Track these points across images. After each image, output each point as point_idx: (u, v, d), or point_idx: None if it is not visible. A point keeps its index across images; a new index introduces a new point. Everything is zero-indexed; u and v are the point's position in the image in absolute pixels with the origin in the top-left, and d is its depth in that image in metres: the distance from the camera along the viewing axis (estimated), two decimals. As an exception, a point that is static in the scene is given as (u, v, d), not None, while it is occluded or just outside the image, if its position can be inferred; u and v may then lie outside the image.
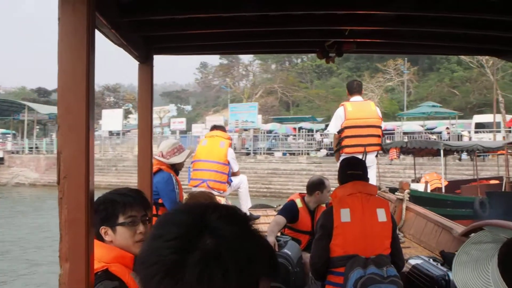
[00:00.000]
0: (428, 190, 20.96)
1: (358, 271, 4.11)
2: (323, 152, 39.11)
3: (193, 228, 1.10)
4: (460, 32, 4.15)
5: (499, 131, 37.78)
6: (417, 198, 16.97)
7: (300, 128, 46.64)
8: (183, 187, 6.68)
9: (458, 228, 6.65)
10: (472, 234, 6.09)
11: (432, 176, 23.02)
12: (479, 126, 41.09)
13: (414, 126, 48.12)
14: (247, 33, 4.30)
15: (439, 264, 5.24)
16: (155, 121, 66.62)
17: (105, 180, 36.86)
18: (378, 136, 8.39)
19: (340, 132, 8.26)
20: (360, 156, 7.61)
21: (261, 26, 3.93)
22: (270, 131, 47.81)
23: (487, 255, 1.69)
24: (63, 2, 2.13)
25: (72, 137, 2.13)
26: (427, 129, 45.31)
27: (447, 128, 42.15)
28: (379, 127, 8.42)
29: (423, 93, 57.17)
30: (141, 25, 3.69)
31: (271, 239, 5.42)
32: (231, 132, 48.19)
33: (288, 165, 35.90)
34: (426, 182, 21.73)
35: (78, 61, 2.13)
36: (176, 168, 6.54)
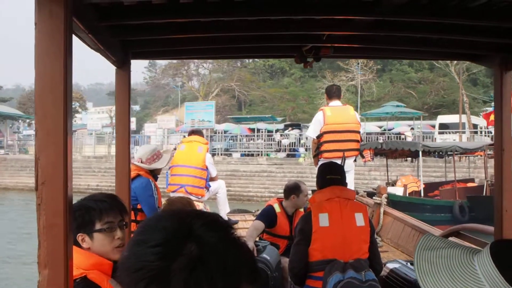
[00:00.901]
0: (401, 193, 20.61)
1: (336, 276, 4.12)
2: (283, 153, 38.44)
3: (178, 234, 1.10)
4: (437, 37, 4.19)
5: (463, 132, 37.43)
6: (396, 203, 16.79)
7: (255, 128, 45.30)
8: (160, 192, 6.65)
9: (435, 232, 6.71)
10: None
11: (408, 179, 22.55)
12: (443, 127, 40.33)
13: (372, 127, 46.81)
14: (225, 38, 4.29)
15: (416, 267, 5.27)
16: (105, 121, 65.55)
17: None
18: (357, 141, 8.47)
19: (319, 137, 8.29)
20: (339, 161, 7.66)
21: (240, 31, 3.94)
22: (224, 132, 46.14)
23: (462, 263, 1.68)
24: (39, 7, 2.12)
25: (50, 142, 2.11)
26: (384, 130, 43.38)
27: (412, 128, 41.40)
28: (358, 132, 8.50)
29: (379, 94, 56.47)
30: (118, 30, 3.66)
31: (250, 244, 5.41)
32: (186, 132, 47.20)
33: (247, 167, 34.73)
34: (405, 186, 21.34)
35: (55, 66, 2.12)
36: (154, 173, 6.51)
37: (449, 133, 37.73)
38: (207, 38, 4.27)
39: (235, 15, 3.47)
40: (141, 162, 6.37)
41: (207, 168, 8.74)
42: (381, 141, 25.77)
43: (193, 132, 9.52)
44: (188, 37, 4.12)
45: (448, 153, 22.71)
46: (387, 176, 24.29)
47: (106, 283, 2.55)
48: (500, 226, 4.29)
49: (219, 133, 44.21)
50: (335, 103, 8.55)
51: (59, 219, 2.10)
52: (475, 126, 39.96)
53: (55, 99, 2.11)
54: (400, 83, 54.44)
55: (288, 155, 37.64)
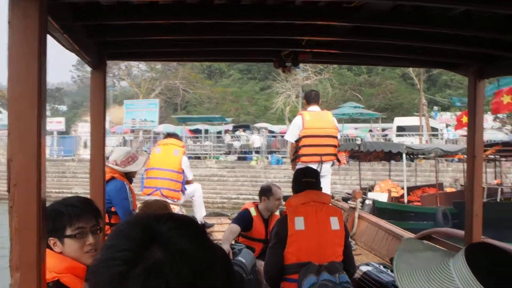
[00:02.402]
0: (385, 200, 19.30)
1: (311, 278, 4.16)
2: (234, 155, 36.64)
3: (142, 240, 1.09)
4: (416, 45, 4.23)
5: (421, 135, 36.95)
6: (381, 210, 16.54)
7: (202, 130, 42.37)
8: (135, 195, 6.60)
9: (408, 235, 6.78)
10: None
11: (387, 183, 21.43)
12: (400, 129, 39.36)
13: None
14: (203, 40, 4.29)
15: (389, 270, 5.36)
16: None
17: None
18: (335, 146, 8.56)
19: (297, 141, 8.33)
20: (316, 166, 7.71)
21: (219, 34, 3.92)
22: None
23: (439, 266, 1.70)
24: (13, 6, 2.08)
25: (23, 144, 2.08)
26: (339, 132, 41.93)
27: (370, 130, 40.57)
28: (336, 137, 8.58)
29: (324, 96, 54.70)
30: (94, 30, 3.63)
31: (225, 247, 5.43)
32: (126, 133, 44.34)
33: (197, 170, 29.70)
34: (389, 191, 20.20)
35: (29, 67, 2.09)
36: (129, 176, 6.46)
37: (407, 135, 36.60)
38: (185, 40, 4.26)
39: (214, 18, 3.46)
40: (116, 164, 6.32)
41: (183, 171, 8.71)
42: (358, 142, 24.77)
43: (169, 135, 9.51)
44: (166, 39, 4.11)
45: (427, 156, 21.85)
46: (360, 180, 22.86)
47: (79, 287, 2.52)
48: (471, 231, 4.39)
49: (163, 134, 40.72)
50: (314, 108, 8.62)
51: (31, 222, 2.06)
52: (433, 129, 39.42)
53: (29, 101, 2.08)
54: (344, 85, 53.03)
55: (239, 158, 35.79)
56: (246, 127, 42.77)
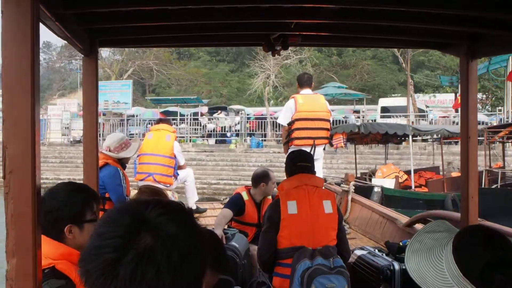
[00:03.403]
0: (392, 186, 17.52)
1: (305, 262, 4.16)
2: (212, 139, 34.68)
3: (131, 227, 1.12)
4: (403, 25, 4.22)
5: (407, 115, 34.58)
6: (389, 198, 15.52)
7: (166, 112, 39.78)
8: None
9: (403, 218, 6.83)
10: (419, 225, 6.19)
11: (389, 168, 19.56)
12: (384, 110, 37.33)
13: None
14: (193, 26, 4.28)
15: (384, 254, 5.33)
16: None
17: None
18: (327, 129, 8.55)
19: (290, 124, 8.35)
20: (308, 149, 7.73)
21: (207, 19, 3.93)
22: (135, 116, 39.53)
23: (440, 244, 1.75)
24: None
25: (17, 132, 2.10)
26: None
27: (355, 111, 38.26)
28: (328, 120, 8.58)
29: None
30: (85, 18, 3.64)
31: (218, 232, 5.43)
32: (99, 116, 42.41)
33: None
34: (397, 177, 18.34)
35: (22, 55, 2.11)
36: (122, 162, 6.49)
37: (393, 117, 34.71)
38: (175, 26, 4.25)
39: (203, 3, 3.47)
40: (109, 150, 6.34)
41: (175, 156, 8.74)
42: (358, 123, 21.87)
43: (161, 120, 9.56)
44: (156, 25, 4.10)
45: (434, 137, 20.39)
46: (355, 164, 21.21)
47: (74, 274, 2.53)
48: (466, 213, 4.38)
49: (136, 116, 38.97)
50: (306, 91, 8.61)
51: (27, 208, 2.09)
52: (420, 110, 37.70)
53: (22, 88, 2.10)
54: (318, 66, 51.41)
55: (217, 141, 33.99)
56: (223, 109, 41.34)
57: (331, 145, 8.91)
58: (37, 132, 2.16)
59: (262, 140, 31.75)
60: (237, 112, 39.11)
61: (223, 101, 54.03)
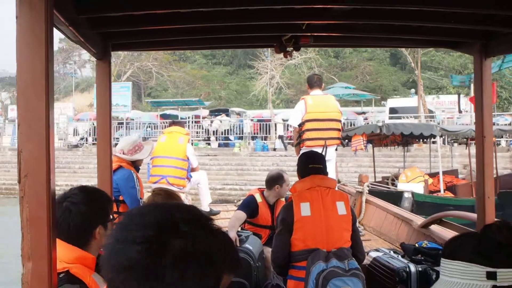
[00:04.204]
0: (422, 191, 16.55)
1: (319, 265, 4.13)
2: (215, 142, 34.14)
3: (162, 230, 1.12)
4: (416, 24, 4.21)
5: (418, 116, 34.16)
6: (420, 204, 14.91)
7: (164, 115, 39.77)
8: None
9: (418, 219, 6.77)
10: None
11: (414, 172, 18.20)
12: (393, 111, 36.55)
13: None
14: (204, 28, 4.29)
15: (399, 256, 5.31)
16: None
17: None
18: (338, 129, 8.51)
19: (300, 125, 8.34)
20: (320, 150, 7.71)
21: (219, 21, 3.93)
22: (131, 119, 39.14)
23: None
24: (20, 1, 2.12)
25: (32, 135, 2.12)
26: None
27: (363, 113, 38.14)
28: (339, 121, 8.56)
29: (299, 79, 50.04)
30: (98, 22, 3.66)
31: (232, 234, 5.43)
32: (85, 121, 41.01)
33: None
34: (426, 181, 17.13)
35: (37, 59, 2.13)
36: (136, 164, 6.52)
37: (402, 117, 33.35)
38: (187, 29, 4.27)
39: (215, 5, 3.48)
40: (123, 153, 6.38)
41: (188, 158, 8.77)
42: (380, 124, 19.46)
43: (173, 123, 9.59)
44: (168, 28, 4.12)
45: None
46: (374, 167, 19.92)
47: (89, 278, 2.52)
48: (483, 213, 4.35)
49: (133, 120, 38.68)
50: (316, 92, 8.59)
51: (42, 212, 2.10)
52: (430, 111, 36.84)
53: (37, 92, 2.12)
54: (319, 67, 50.73)
55: (220, 145, 33.47)
56: (225, 111, 40.57)
57: (343, 145, 8.87)
58: (52, 135, 2.17)
59: (265, 143, 31.12)
60: (238, 114, 39.03)
61: (223, 103, 53.70)
